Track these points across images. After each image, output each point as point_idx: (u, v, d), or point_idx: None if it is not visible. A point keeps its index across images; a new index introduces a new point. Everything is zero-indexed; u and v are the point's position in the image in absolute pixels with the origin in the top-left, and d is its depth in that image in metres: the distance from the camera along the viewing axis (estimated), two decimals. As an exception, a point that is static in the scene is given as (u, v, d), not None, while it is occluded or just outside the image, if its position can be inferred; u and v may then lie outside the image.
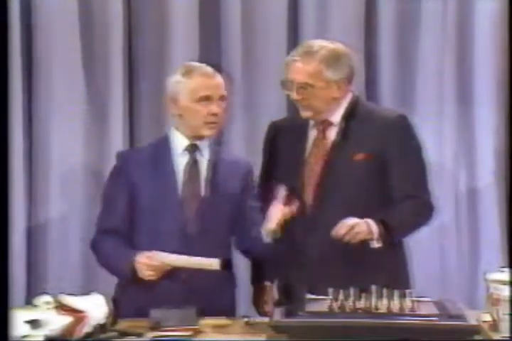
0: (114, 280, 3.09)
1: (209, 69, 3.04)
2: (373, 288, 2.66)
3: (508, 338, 2.58)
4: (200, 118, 3.00)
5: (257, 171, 3.19)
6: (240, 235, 3.08)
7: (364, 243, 2.91)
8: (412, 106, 3.91)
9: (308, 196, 3.06)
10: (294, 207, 2.89)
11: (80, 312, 2.60)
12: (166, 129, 3.25)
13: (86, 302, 2.67)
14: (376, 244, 2.94)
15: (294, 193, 2.97)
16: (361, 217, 2.92)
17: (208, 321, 2.80)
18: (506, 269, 2.73)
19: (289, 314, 2.58)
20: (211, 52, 3.91)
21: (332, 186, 3.04)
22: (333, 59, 3.02)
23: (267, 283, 3.19)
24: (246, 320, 2.82)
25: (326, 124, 3.09)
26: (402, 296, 2.64)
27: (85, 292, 2.78)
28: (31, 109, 3.82)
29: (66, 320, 2.55)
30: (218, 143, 3.43)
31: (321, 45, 3.05)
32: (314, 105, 3.04)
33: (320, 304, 2.64)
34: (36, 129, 3.83)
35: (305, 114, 3.08)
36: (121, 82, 3.83)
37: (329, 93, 3.04)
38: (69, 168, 3.81)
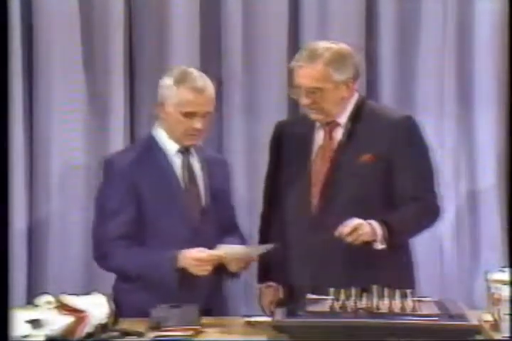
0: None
1: (200, 82, 3.00)
2: (374, 287, 2.66)
3: (508, 338, 2.58)
4: (181, 129, 3.01)
5: (257, 171, 3.20)
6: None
7: (368, 244, 2.91)
8: (412, 106, 3.90)
9: (314, 196, 3.06)
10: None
11: (81, 311, 2.60)
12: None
13: (87, 302, 2.67)
14: (379, 246, 2.93)
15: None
16: (366, 217, 2.91)
17: (209, 321, 2.80)
18: (506, 269, 2.73)
19: (290, 314, 2.58)
20: (211, 52, 3.91)
21: (338, 186, 3.04)
22: (339, 60, 3.02)
23: (274, 284, 3.19)
24: (247, 319, 2.82)
25: (332, 125, 3.09)
26: (403, 296, 2.64)
27: (86, 292, 2.78)
28: (32, 108, 3.82)
29: (67, 319, 2.55)
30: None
31: (325, 47, 3.04)
32: (325, 107, 3.04)
33: (321, 304, 2.64)
34: (36, 129, 3.82)
35: (315, 117, 3.07)
36: (121, 81, 3.82)
37: (338, 94, 3.04)
38: (69, 167, 3.80)
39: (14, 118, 3.63)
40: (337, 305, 2.61)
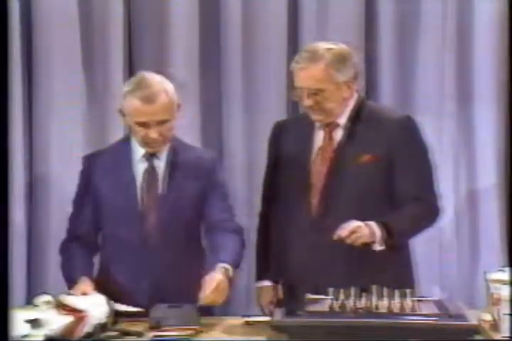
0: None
1: (153, 90, 2.89)
2: (374, 287, 2.66)
3: (508, 338, 2.58)
4: (139, 138, 2.98)
5: (257, 171, 3.19)
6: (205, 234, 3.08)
7: (367, 246, 2.91)
8: (412, 106, 3.90)
9: (314, 197, 3.05)
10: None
11: (81, 311, 2.60)
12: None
13: (86, 301, 2.67)
14: (378, 247, 2.93)
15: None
16: (366, 217, 2.91)
17: (209, 321, 2.80)
18: (506, 269, 2.74)
19: (289, 314, 2.58)
20: (211, 52, 3.91)
21: (338, 187, 3.04)
22: (340, 61, 3.01)
23: (273, 284, 3.19)
24: (246, 319, 2.82)
25: (333, 126, 3.09)
26: (403, 296, 2.64)
27: (86, 292, 2.79)
28: (31, 108, 3.82)
29: (66, 319, 2.55)
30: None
31: (326, 48, 3.04)
32: (327, 108, 3.03)
33: (321, 304, 2.65)
34: (36, 129, 3.83)
35: (317, 117, 3.07)
36: (121, 81, 3.82)
37: (340, 94, 3.03)
38: (69, 167, 3.80)
39: (14, 118, 3.63)
40: (336, 304, 2.61)
